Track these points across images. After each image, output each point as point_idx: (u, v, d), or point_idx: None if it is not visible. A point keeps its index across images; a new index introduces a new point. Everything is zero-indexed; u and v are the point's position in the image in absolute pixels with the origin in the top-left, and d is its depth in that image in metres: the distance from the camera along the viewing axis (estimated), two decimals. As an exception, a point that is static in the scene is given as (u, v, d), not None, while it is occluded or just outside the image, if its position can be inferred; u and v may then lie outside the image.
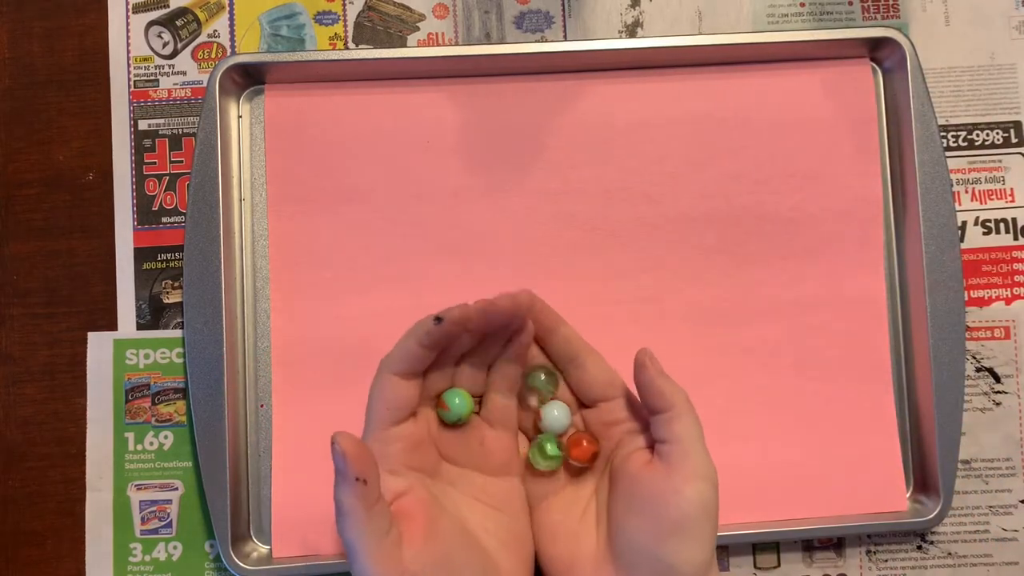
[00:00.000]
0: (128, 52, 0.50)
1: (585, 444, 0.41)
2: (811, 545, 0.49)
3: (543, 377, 0.42)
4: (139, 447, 0.48)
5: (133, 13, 0.50)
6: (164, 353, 0.48)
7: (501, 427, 0.42)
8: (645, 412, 0.41)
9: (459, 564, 0.38)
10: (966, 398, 0.49)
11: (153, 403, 0.48)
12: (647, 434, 0.41)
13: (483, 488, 0.42)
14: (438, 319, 0.39)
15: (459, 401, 0.40)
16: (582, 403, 0.43)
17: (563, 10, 0.51)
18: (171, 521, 0.48)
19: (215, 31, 0.50)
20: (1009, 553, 0.49)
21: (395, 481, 0.39)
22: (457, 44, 0.50)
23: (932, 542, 0.49)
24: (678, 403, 0.40)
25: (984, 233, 0.50)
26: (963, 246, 0.50)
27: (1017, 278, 0.50)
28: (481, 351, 0.41)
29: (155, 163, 0.49)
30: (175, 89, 0.50)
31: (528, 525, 0.42)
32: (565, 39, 0.51)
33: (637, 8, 0.51)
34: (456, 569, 0.38)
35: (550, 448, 0.41)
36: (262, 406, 0.47)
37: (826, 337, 0.48)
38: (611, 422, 0.42)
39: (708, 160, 0.49)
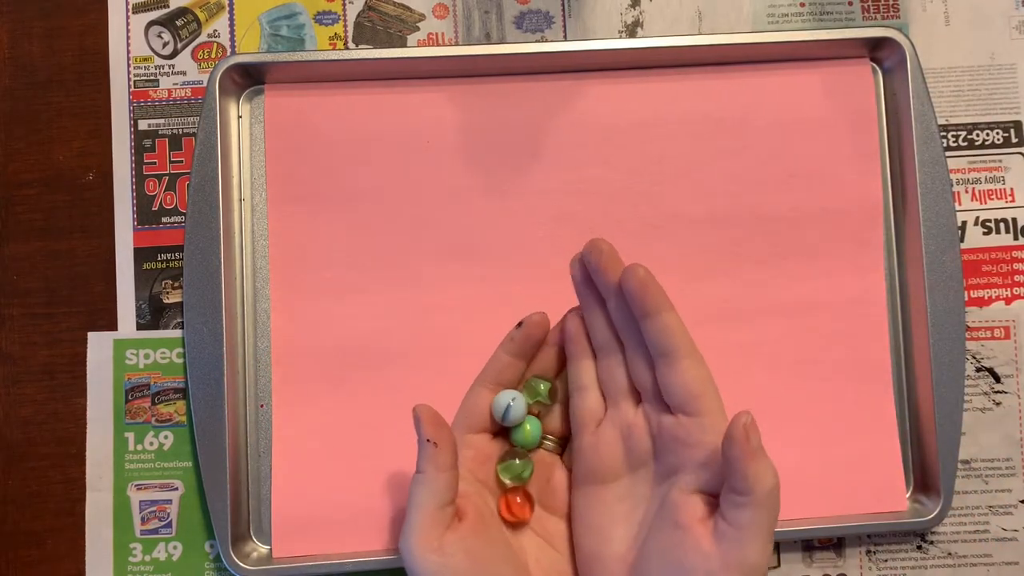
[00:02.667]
0: (128, 52, 0.50)
1: (519, 502, 0.41)
2: (811, 545, 0.49)
3: (542, 387, 0.41)
4: (139, 447, 0.48)
5: (133, 13, 0.50)
6: (164, 353, 0.48)
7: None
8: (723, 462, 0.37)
9: (492, 569, 0.38)
10: (966, 398, 0.49)
11: (153, 403, 0.48)
12: (713, 473, 0.37)
13: (543, 524, 0.42)
14: (520, 324, 0.41)
15: (531, 428, 0.41)
16: (667, 406, 0.39)
17: (563, 10, 0.51)
18: (171, 521, 0.48)
19: (215, 31, 0.50)
20: (1009, 553, 0.49)
21: (460, 484, 0.40)
22: (457, 44, 0.50)
23: (932, 542, 0.49)
24: (759, 493, 0.35)
25: (984, 233, 0.50)
26: (963, 246, 0.50)
27: (1017, 278, 0.50)
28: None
29: (155, 163, 0.49)
30: (175, 89, 0.50)
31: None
32: (565, 39, 0.51)
33: (637, 8, 0.51)
34: (486, 570, 0.38)
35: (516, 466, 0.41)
36: (262, 406, 0.47)
37: (826, 337, 0.48)
38: (683, 441, 0.38)
39: (708, 160, 0.49)
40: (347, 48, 0.50)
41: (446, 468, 0.38)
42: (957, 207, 0.50)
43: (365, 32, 0.50)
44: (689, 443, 0.38)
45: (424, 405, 0.39)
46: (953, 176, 0.50)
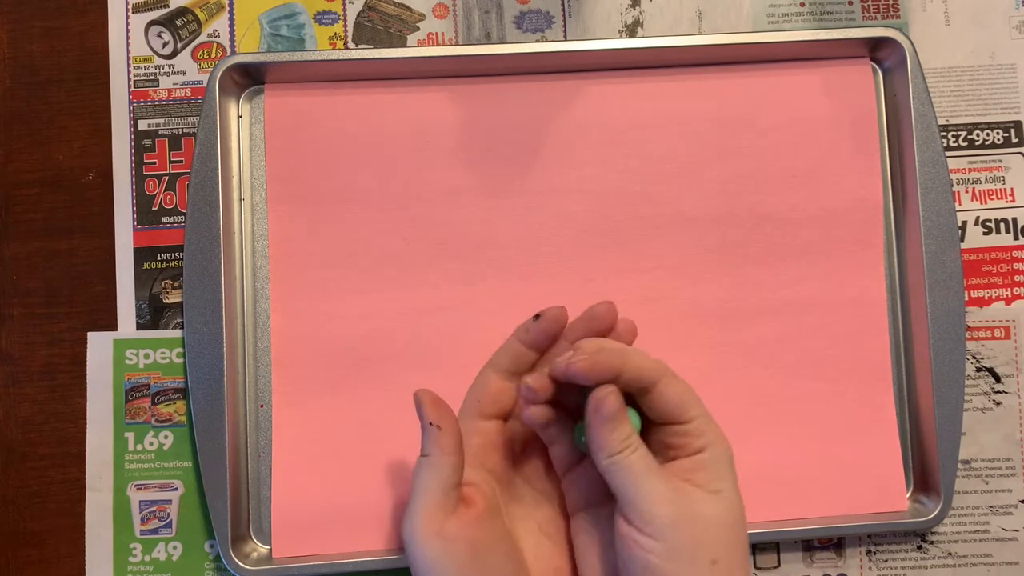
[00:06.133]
0: (128, 52, 0.50)
1: None
2: (811, 545, 0.49)
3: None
4: (139, 447, 0.48)
5: (133, 13, 0.50)
6: (164, 353, 0.48)
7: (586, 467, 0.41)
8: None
9: (491, 562, 0.38)
10: (966, 398, 0.49)
11: (153, 403, 0.48)
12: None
13: (550, 518, 0.42)
14: (537, 316, 0.41)
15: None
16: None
17: (563, 10, 0.51)
18: (171, 521, 0.48)
19: (215, 31, 0.50)
20: (1009, 553, 0.49)
21: (466, 471, 0.39)
22: (457, 44, 0.50)
23: (932, 542, 0.49)
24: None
25: (984, 233, 0.50)
26: (963, 246, 0.50)
27: (1017, 278, 0.50)
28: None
29: (155, 163, 0.49)
30: (175, 89, 0.50)
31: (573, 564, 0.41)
32: (565, 39, 0.51)
33: (637, 8, 0.51)
34: (486, 564, 0.37)
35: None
36: (262, 406, 0.47)
37: (826, 337, 0.48)
38: (672, 446, 0.39)
39: (708, 160, 0.49)
40: (347, 48, 0.50)
41: (451, 451, 0.38)
42: (957, 207, 0.50)
43: (365, 32, 0.50)
44: (679, 446, 0.38)
45: (425, 389, 0.39)
46: (953, 176, 0.50)
